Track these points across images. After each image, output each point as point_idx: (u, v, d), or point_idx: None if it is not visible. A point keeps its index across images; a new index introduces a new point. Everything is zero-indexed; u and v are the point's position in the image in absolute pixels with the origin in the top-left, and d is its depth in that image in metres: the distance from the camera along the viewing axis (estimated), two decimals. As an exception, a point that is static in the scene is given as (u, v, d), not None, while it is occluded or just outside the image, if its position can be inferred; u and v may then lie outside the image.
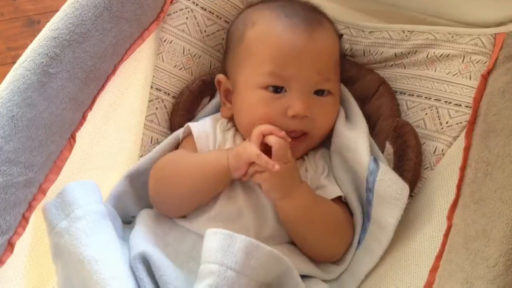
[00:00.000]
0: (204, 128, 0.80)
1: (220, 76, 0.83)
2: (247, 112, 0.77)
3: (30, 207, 0.64)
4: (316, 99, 0.77)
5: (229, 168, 0.70)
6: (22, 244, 0.64)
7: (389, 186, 0.70)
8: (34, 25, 1.55)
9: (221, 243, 0.58)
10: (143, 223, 0.74)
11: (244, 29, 0.80)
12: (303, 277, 0.69)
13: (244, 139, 0.78)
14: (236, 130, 0.81)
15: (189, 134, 0.80)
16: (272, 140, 0.69)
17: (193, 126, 0.79)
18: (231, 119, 0.82)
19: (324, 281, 0.74)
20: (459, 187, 0.67)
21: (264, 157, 0.67)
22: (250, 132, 0.74)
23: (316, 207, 0.72)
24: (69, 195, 0.64)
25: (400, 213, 0.69)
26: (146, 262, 0.65)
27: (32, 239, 0.66)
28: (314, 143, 0.79)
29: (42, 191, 0.66)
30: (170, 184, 0.73)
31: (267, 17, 0.79)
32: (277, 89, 0.76)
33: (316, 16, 0.81)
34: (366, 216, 0.74)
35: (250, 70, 0.77)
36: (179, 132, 0.81)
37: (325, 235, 0.73)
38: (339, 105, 0.82)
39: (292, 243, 0.75)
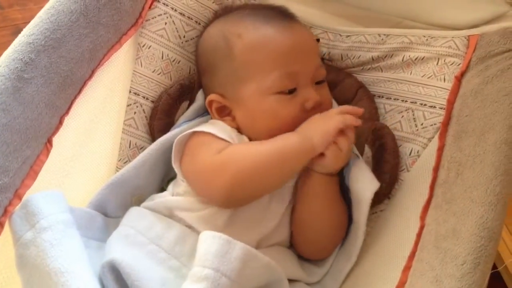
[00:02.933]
0: (221, 128, 0.76)
1: (213, 96, 0.79)
2: (268, 119, 0.75)
3: (6, 212, 0.63)
4: (317, 88, 0.78)
5: (313, 149, 0.70)
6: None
7: (359, 181, 0.72)
8: (22, 34, 1.56)
9: (219, 248, 0.58)
10: (126, 222, 0.73)
11: (229, 44, 0.77)
12: (289, 281, 0.69)
13: None
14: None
15: (190, 136, 0.76)
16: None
17: (211, 129, 0.74)
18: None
19: (308, 284, 0.74)
20: (432, 187, 0.67)
21: (348, 116, 0.70)
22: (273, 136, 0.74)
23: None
24: (33, 205, 0.63)
25: (366, 208, 0.70)
26: (116, 270, 0.64)
27: (5, 247, 0.65)
28: None
29: (18, 196, 0.65)
30: (254, 183, 0.69)
31: (249, 25, 0.78)
32: (291, 91, 0.75)
33: (287, 12, 0.81)
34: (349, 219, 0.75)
35: (259, 79, 0.75)
36: (163, 140, 0.79)
37: (337, 223, 0.74)
38: None
39: (282, 245, 0.75)
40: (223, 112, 0.80)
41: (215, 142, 0.73)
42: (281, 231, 0.74)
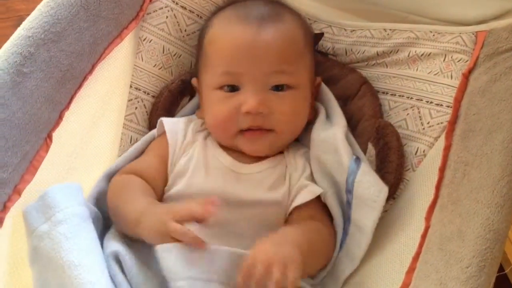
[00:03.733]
0: (177, 124, 0.79)
1: (193, 80, 0.84)
2: (208, 113, 0.78)
3: (5, 208, 0.63)
4: (274, 94, 0.75)
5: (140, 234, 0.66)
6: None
7: (367, 187, 0.69)
8: (25, 25, 1.55)
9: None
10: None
11: (204, 34, 0.81)
12: None
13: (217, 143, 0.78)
14: (209, 132, 0.80)
15: (163, 132, 0.79)
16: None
17: (166, 121, 0.79)
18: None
19: None
20: (438, 187, 0.66)
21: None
22: (216, 133, 0.77)
23: (312, 241, 0.68)
24: (50, 198, 0.64)
25: (377, 215, 0.68)
26: (119, 261, 0.65)
27: (11, 244, 0.65)
28: (285, 139, 0.78)
29: (17, 191, 0.65)
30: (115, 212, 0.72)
31: (221, 19, 0.79)
32: (232, 88, 0.75)
33: (274, 10, 0.79)
34: (347, 218, 0.73)
35: (209, 73, 0.78)
36: (155, 132, 0.80)
37: (315, 261, 0.71)
38: (309, 100, 0.80)
39: None
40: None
41: (150, 153, 0.78)
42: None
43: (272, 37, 0.74)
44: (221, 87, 0.76)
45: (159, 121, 0.80)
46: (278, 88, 0.75)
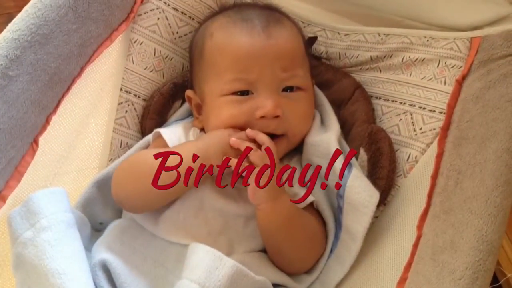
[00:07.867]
0: (176, 134, 0.77)
1: (189, 92, 0.81)
2: (215, 118, 0.75)
3: (-10, 215, 0.62)
4: (286, 96, 0.74)
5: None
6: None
7: (359, 192, 0.68)
8: (14, 22, 1.52)
9: (208, 264, 0.58)
10: (110, 232, 0.72)
11: (204, 42, 0.78)
12: (274, 286, 0.68)
13: None
14: None
15: (158, 137, 0.77)
16: (262, 138, 0.69)
17: (164, 133, 0.76)
18: (202, 129, 0.80)
19: None
20: (430, 196, 0.65)
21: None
22: None
23: (297, 218, 0.70)
24: (34, 204, 0.62)
25: (368, 220, 0.67)
26: (107, 270, 0.64)
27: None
28: (295, 142, 0.77)
29: (2, 198, 0.64)
30: (134, 178, 0.69)
31: (223, 25, 0.77)
32: (243, 93, 0.73)
33: (274, 15, 0.78)
34: (338, 224, 0.73)
35: (215, 81, 0.75)
36: (150, 138, 0.79)
37: (300, 247, 0.71)
38: (313, 103, 0.80)
39: (264, 251, 0.73)
40: (199, 110, 0.80)
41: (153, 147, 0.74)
42: (251, 240, 0.72)
43: (281, 43, 0.74)
44: (231, 93, 0.73)
45: (155, 131, 0.77)
46: (287, 90, 0.75)
